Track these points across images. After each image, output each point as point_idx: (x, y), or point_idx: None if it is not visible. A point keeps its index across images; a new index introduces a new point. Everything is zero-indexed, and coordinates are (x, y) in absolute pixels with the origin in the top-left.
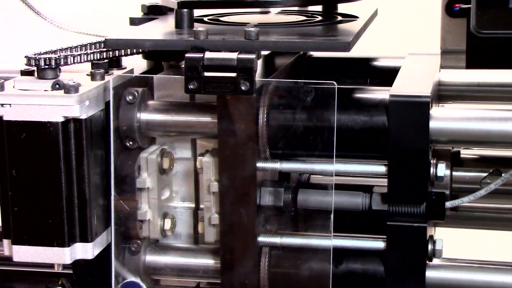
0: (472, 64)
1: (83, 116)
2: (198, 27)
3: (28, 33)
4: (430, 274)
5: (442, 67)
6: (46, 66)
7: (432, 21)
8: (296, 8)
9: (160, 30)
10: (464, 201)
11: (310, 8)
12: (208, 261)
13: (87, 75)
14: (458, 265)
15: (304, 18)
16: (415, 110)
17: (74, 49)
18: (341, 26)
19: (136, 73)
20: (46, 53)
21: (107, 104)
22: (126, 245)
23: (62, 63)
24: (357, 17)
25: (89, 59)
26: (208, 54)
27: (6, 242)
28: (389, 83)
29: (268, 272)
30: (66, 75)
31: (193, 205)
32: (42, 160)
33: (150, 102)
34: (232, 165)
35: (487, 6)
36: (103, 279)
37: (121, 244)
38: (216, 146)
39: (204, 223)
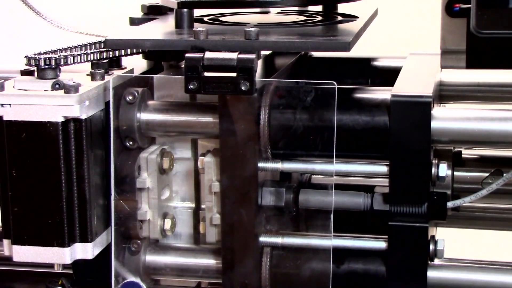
0: (472, 64)
1: (83, 116)
2: (198, 27)
3: (28, 33)
4: (431, 274)
5: (442, 67)
6: (46, 66)
7: (432, 21)
8: (296, 8)
9: (160, 30)
10: (466, 201)
11: (310, 8)
12: (208, 261)
13: (87, 75)
14: (460, 265)
15: (304, 18)
16: (416, 110)
17: (74, 49)
18: (341, 26)
19: (136, 73)
20: (46, 53)
21: (107, 104)
22: (126, 245)
23: (62, 63)
24: (357, 17)
25: (89, 59)
26: (208, 54)
27: (6, 242)
28: (391, 83)
29: (269, 272)
30: (66, 75)
31: (193, 205)
32: (42, 160)
33: (150, 102)
34: (233, 165)
35: (487, 6)
36: (103, 279)
37: (121, 244)
38: (217, 146)
39: (205, 223)
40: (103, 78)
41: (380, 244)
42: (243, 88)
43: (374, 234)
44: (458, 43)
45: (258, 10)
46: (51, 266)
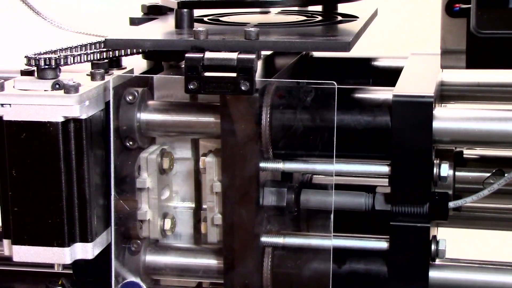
0: (472, 64)
1: (83, 116)
2: (198, 27)
3: (28, 33)
4: (433, 274)
5: (442, 67)
6: (46, 66)
7: (432, 21)
8: (296, 8)
9: (160, 30)
10: (467, 201)
11: (310, 8)
12: (208, 261)
13: (87, 75)
14: (461, 266)
15: (304, 18)
16: (418, 110)
17: (74, 49)
18: (341, 26)
19: (136, 73)
20: (46, 53)
21: (107, 104)
22: (126, 245)
23: (62, 63)
24: (357, 17)
25: (89, 59)
26: (208, 54)
27: (6, 242)
28: (392, 83)
29: (271, 272)
30: (66, 75)
31: (193, 205)
32: (42, 160)
33: (150, 102)
34: (235, 165)
35: (487, 6)
36: (103, 279)
37: (121, 244)
38: (218, 146)
39: (207, 223)
40: (103, 78)
41: (381, 244)
42: (243, 88)
43: (375, 234)
44: (458, 43)
45: (258, 10)
46: (51, 266)
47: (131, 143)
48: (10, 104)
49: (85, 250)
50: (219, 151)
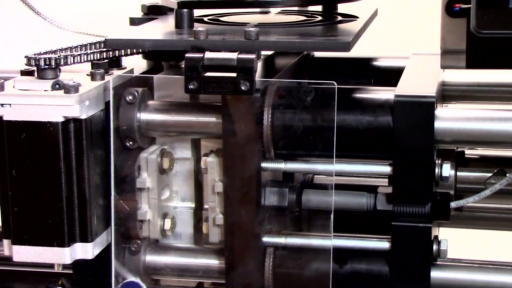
0: (472, 64)
1: (83, 116)
2: (198, 27)
3: (28, 33)
4: (434, 274)
5: (442, 67)
6: (46, 66)
7: (432, 21)
8: (296, 8)
9: (160, 30)
10: (469, 201)
11: (310, 8)
12: (208, 261)
13: (87, 75)
14: (463, 266)
15: (304, 18)
16: (420, 110)
17: (74, 49)
18: (341, 26)
19: (136, 73)
20: (46, 53)
21: (107, 104)
22: (126, 245)
23: (62, 63)
24: (357, 17)
25: (89, 59)
26: (208, 54)
27: (6, 242)
28: (394, 83)
29: (272, 272)
30: (66, 75)
31: (193, 205)
32: (42, 160)
33: (150, 102)
34: (236, 165)
35: (487, 6)
36: (103, 279)
37: (121, 244)
38: (220, 146)
39: (208, 223)
40: (103, 78)
41: (383, 244)
42: (243, 88)
43: (377, 234)
44: (458, 43)
45: (258, 10)
46: (51, 266)
47: (131, 143)
48: (10, 104)
49: (85, 250)
50: (221, 151)
